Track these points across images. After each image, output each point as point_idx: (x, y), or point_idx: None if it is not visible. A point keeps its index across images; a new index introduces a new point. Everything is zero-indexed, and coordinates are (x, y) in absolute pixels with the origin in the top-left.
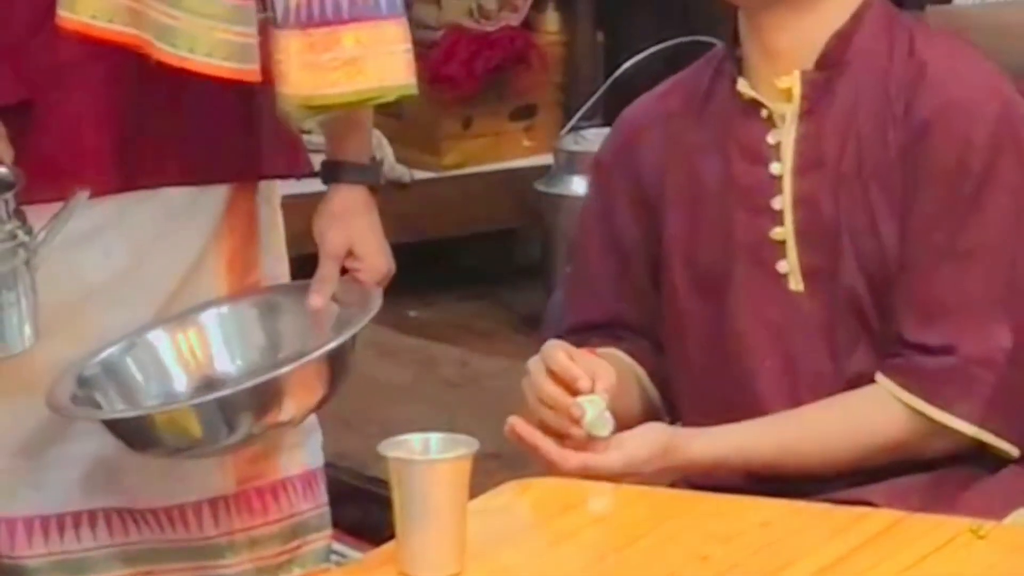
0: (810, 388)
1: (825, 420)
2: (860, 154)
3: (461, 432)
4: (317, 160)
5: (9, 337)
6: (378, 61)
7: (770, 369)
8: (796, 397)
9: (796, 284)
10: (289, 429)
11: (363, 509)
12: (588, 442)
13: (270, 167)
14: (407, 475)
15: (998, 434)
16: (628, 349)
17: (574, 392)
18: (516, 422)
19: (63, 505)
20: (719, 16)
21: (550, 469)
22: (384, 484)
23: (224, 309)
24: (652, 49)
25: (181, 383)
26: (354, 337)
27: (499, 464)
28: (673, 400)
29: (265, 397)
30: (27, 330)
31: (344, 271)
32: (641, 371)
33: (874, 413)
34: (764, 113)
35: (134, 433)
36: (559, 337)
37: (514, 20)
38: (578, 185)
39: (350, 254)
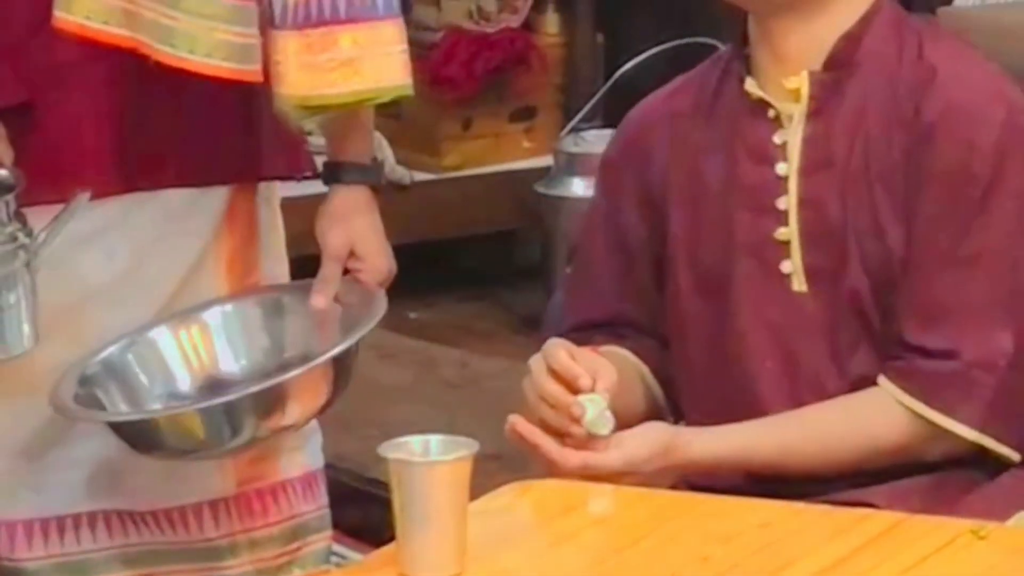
0: (811, 389)
1: (826, 421)
2: (867, 156)
3: (461, 433)
4: (320, 162)
5: (10, 339)
6: (375, 62)
7: (771, 370)
8: (797, 398)
9: (799, 285)
10: (293, 432)
11: (363, 511)
12: (588, 441)
13: (270, 168)
14: (407, 477)
15: (998, 439)
16: (632, 347)
17: (575, 391)
18: (517, 421)
19: (63, 507)
20: (719, 17)
21: (550, 468)
22: (384, 486)
23: (228, 307)
24: (652, 51)
25: (185, 383)
26: (358, 341)
27: (499, 465)
28: (676, 399)
29: (270, 401)
30: (28, 332)
31: (346, 272)
32: (645, 369)
33: (875, 415)
34: (771, 113)
35: (138, 435)
36: (562, 335)
37: (514, 22)
38: (578, 187)
39: (352, 255)
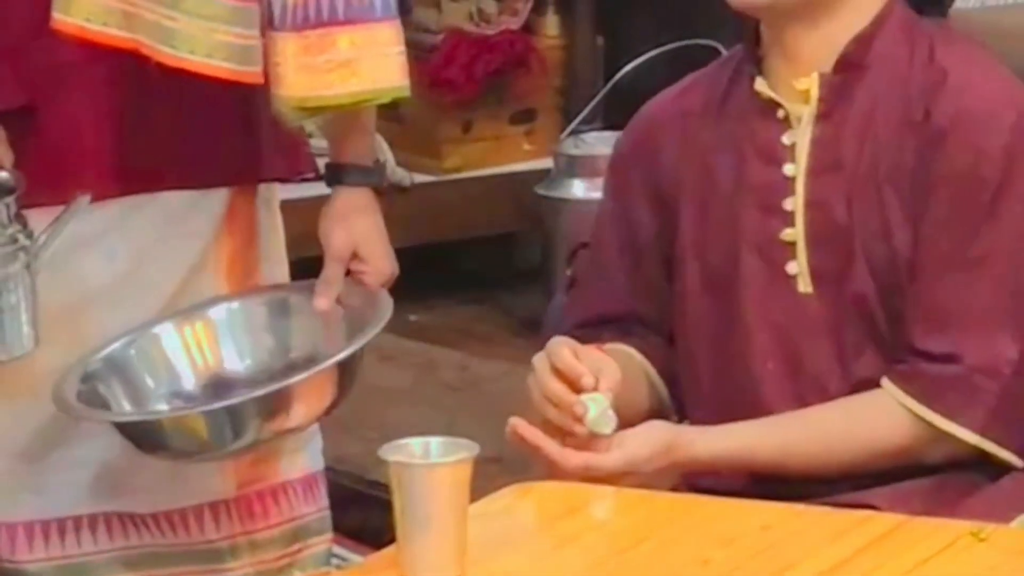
0: (814, 391)
1: (829, 421)
2: (876, 158)
3: (461, 436)
4: (323, 164)
5: (10, 340)
6: (372, 63)
7: (774, 370)
8: (800, 399)
9: (805, 286)
10: (297, 434)
11: (364, 513)
12: (590, 442)
13: (269, 170)
14: (408, 479)
15: (1000, 443)
16: (639, 345)
17: (578, 389)
18: (518, 423)
19: (64, 509)
20: (719, 19)
21: (551, 469)
22: (384, 488)
23: (235, 305)
24: (652, 53)
25: (189, 381)
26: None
27: (499, 468)
28: (681, 397)
29: (276, 404)
30: (28, 333)
31: (348, 273)
32: (651, 368)
33: (878, 417)
34: (781, 114)
35: (142, 436)
36: (570, 329)
37: (514, 24)
38: (578, 189)
39: (355, 256)
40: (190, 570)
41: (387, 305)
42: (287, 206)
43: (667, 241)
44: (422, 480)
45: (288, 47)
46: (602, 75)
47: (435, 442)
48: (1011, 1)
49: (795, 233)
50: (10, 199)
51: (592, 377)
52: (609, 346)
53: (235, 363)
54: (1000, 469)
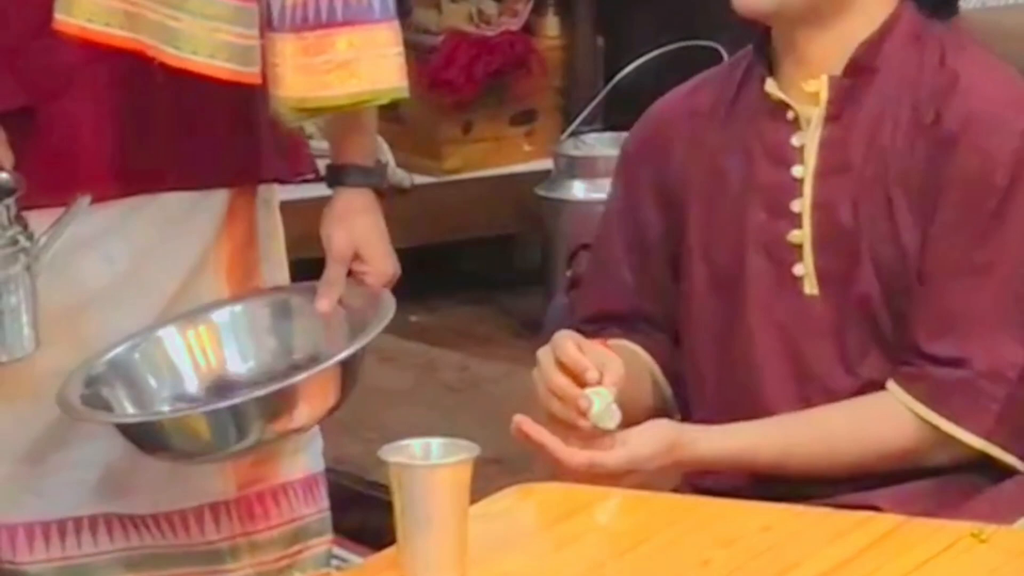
0: (818, 392)
1: (833, 422)
2: (884, 160)
3: (461, 436)
4: (324, 165)
5: (11, 342)
6: (371, 64)
7: (778, 371)
8: (804, 400)
9: (811, 288)
10: (300, 435)
11: (364, 514)
12: (594, 439)
13: (269, 170)
14: (408, 480)
15: (1005, 448)
16: (644, 343)
17: (582, 383)
18: (522, 420)
19: (64, 510)
20: (720, 20)
21: (555, 466)
22: (385, 489)
23: (237, 308)
24: (652, 54)
25: (192, 384)
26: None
27: (500, 469)
28: (684, 396)
29: (279, 404)
30: (29, 335)
31: (349, 274)
32: (655, 366)
33: (883, 419)
34: (790, 115)
35: (145, 437)
36: (576, 324)
37: (514, 25)
38: (578, 190)
39: (356, 257)
40: (190, 571)
41: (389, 305)
42: (288, 207)
43: (674, 240)
44: (422, 481)
45: (287, 48)
46: (602, 76)
47: (435, 443)
48: (1011, 1)
49: (802, 235)
50: (10, 200)
51: (596, 371)
52: (613, 342)
53: (238, 365)
54: (1002, 472)
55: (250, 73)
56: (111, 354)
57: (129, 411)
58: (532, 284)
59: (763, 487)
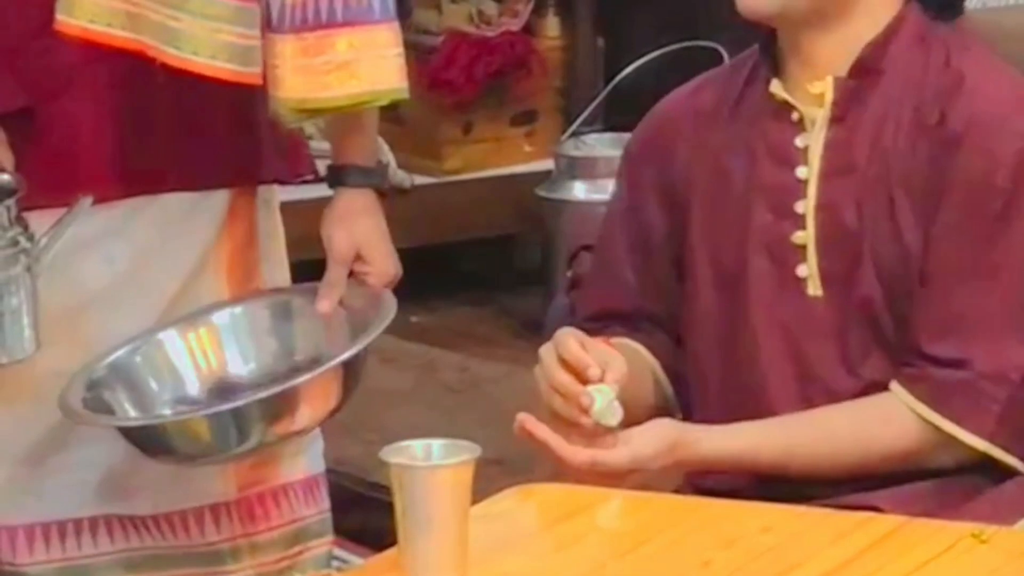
0: (821, 393)
1: (835, 423)
2: (888, 162)
3: (462, 437)
4: (325, 166)
5: (11, 343)
6: (371, 65)
7: (781, 372)
8: (807, 401)
9: (815, 289)
10: (302, 436)
11: (365, 515)
12: (597, 438)
13: (269, 171)
14: (409, 481)
15: (1007, 449)
16: (646, 342)
17: (584, 380)
18: (525, 418)
19: (64, 512)
20: (720, 21)
21: (558, 465)
22: (386, 490)
23: (238, 310)
24: (652, 54)
25: (194, 386)
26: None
27: (500, 470)
28: (686, 396)
29: (281, 406)
30: (29, 336)
31: (351, 274)
32: (657, 365)
33: (885, 420)
34: (795, 116)
35: (147, 440)
36: (579, 322)
37: (514, 25)
38: (579, 190)
39: (357, 258)
40: (191, 572)
41: (391, 305)
42: (288, 208)
43: (677, 241)
44: (423, 482)
45: (286, 49)
46: (602, 76)
47: (436, 444)
48: (1011, 1)
49: (806, 236)
50: (11, 201)
51: (599, 368)
52: (616, 340)
53: (239, 367)
54: (1004, 473)
55: (251, 73)
56: (112, 357)
57: (131, 414)
58: (532, 285)
59: (764, 487)
